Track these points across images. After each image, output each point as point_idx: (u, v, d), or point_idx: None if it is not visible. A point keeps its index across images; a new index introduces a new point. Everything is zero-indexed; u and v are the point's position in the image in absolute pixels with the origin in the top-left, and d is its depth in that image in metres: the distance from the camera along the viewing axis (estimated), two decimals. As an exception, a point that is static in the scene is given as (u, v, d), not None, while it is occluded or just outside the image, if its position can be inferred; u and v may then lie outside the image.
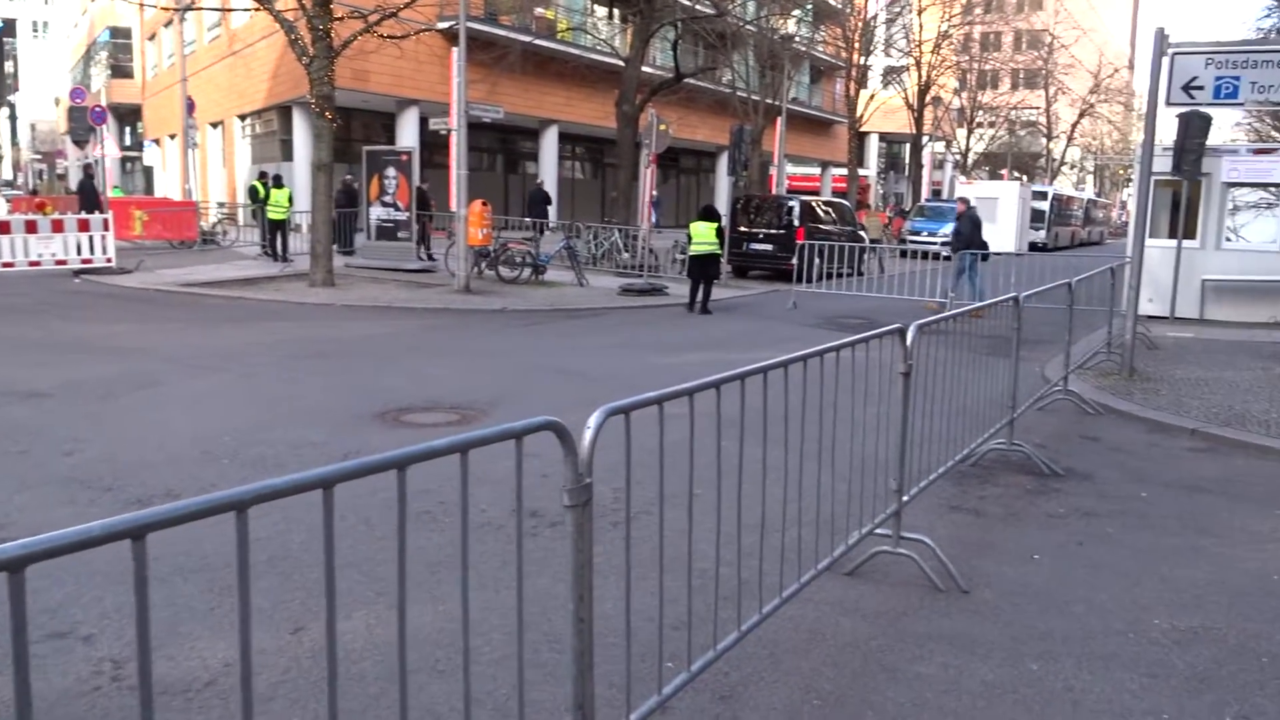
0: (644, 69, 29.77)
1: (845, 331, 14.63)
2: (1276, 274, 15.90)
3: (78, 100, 38.27)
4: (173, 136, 45.76)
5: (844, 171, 51.30)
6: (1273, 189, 16.16)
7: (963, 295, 16.53)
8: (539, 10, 32.93)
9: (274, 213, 21.13)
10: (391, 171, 19.83)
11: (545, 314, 15.10)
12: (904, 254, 28.74)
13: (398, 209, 19.84)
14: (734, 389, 3.37)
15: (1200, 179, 16.08)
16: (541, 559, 4.66)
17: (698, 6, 24.23)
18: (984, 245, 17.51)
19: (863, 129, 57.01)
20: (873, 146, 62.81)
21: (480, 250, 18.87)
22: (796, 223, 21.94)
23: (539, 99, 32.21)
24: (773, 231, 22.16)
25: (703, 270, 15.93)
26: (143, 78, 49.25)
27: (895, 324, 4.60)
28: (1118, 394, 9.34)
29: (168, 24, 44.13)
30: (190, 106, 28.15)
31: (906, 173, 53.56)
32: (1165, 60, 9.88)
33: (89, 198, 24.16)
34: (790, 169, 55.19)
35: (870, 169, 62.57)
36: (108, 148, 26.43)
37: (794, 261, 19.49)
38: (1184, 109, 10.32)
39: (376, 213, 20.17)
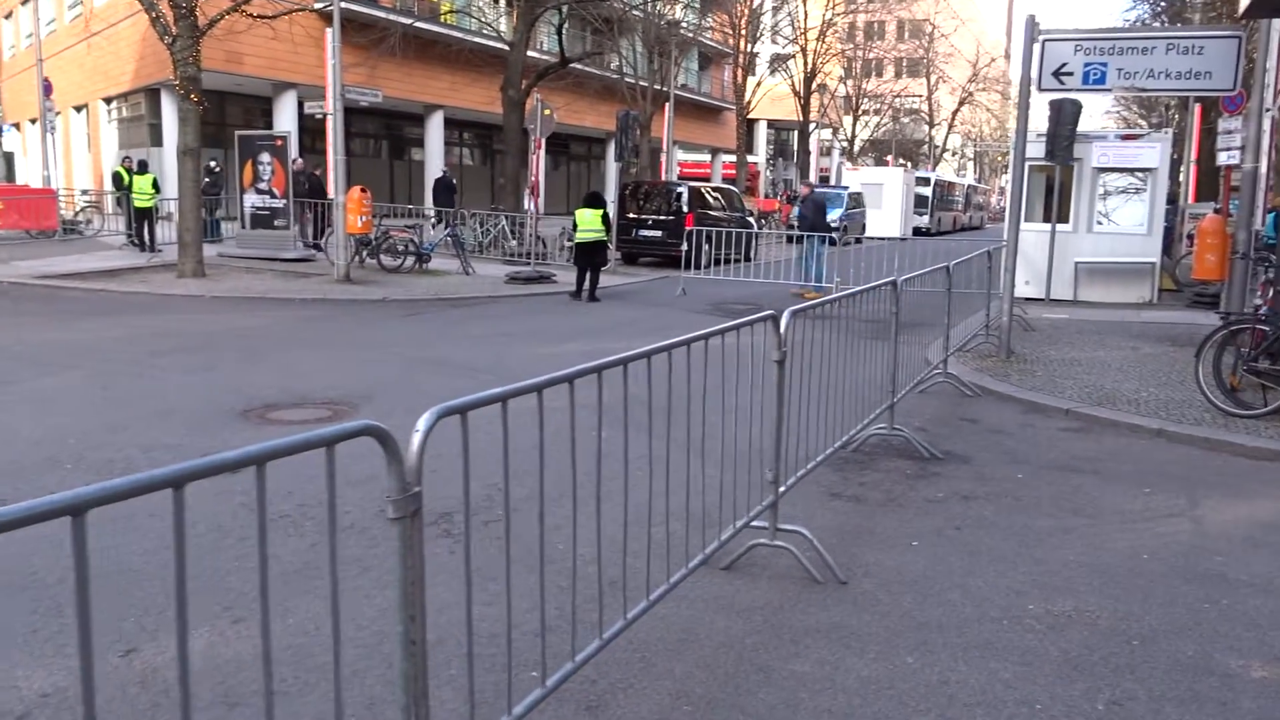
0: (531, 54, 29.36)
1: (732, 317, 14.49)
2: (1144, 256, 16.50)
3: (-74, 82, 35.83)
4: (33, 121, 43.40)
5: (734, 158, 51.75)
6: (1140, 173, 16.73)
7: (810, 278, 17.04)
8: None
9: (139, 200, 20.07)
10: (266, 157, 19.03)
11: (428, 303, 14.68)
12: (791, 239, 29.19)
13: (273, 196, 19.07)
14: (594, 382, 3.15)
15: (1072, 164, 16.56)
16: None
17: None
18: (828, 229, 17.81)
19: (751, 116, 57.70)
20: (762, 134, 63.39)
21: (361, 239, 18.27)
22: (685, 209, 21.88)
23: (423, 83, 31.44)
24: (662, 218, 22.05)
25: (589, 258, 15.70)
26: (-1, 58, 46.49)
27: (770, 310, 4.46)
28: (996, 376, 9.47)
29: (24, 1, 41.75)
30: (47, 89, 26.60)
31: (795, 159, 54.18)
32: (1037, 47, 10.04)
33: (-64, 185, 22.62)
34: (681, 156, 55.37)
35: (760, 156, 63.19)
36: (-42, 132, 24.79)
37: (684, 248, 19.46)
38: (1056, 95, 10.51)
39: (251, 200, 19.34)
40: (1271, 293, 9.37)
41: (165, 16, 15.27)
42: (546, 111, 17.62)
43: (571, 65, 31.87)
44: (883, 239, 31.59)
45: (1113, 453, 6.97)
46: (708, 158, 56.25)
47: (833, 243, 17.47)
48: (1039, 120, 18.84)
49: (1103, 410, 8.00)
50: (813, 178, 54.23)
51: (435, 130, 33.98)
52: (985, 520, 5.34)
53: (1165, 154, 16.82)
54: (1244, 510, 5.66)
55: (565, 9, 22.54)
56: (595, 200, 15.85)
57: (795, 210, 24.00)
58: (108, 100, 33.82)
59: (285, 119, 28.21)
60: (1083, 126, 16.84)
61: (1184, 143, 23.75)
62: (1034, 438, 7.38)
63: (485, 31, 29.99)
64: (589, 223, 15.58)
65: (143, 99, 31.14)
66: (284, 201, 18.92)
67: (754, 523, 4.46)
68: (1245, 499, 5.89)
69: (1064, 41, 9.98)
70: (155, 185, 20.44)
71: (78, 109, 36.40)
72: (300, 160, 22.19)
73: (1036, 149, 16.55)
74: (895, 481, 6.07)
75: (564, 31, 24.57)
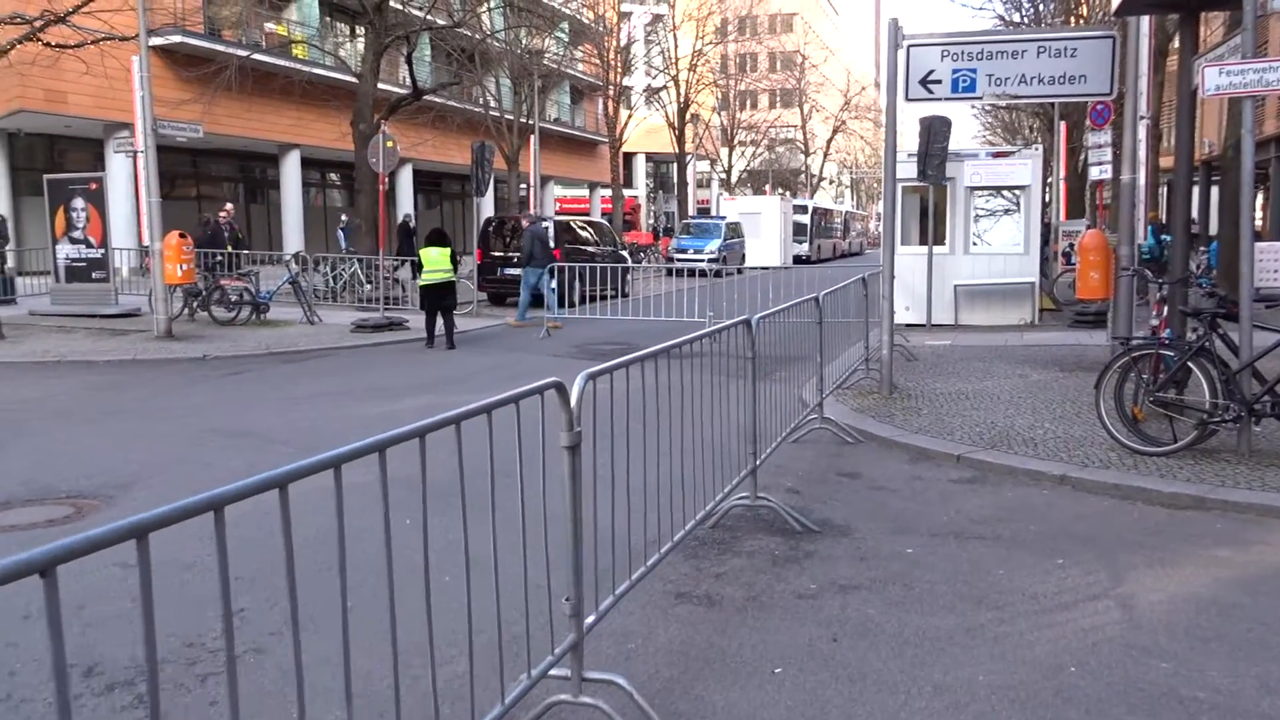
0: (388, 87, 27.90)
1: (599, 358, 13.52)
2: (1023, 276, 15.95)
3: None
4: None
5: (611, 192, 50.97)
6: (1013, 191, 16.23)
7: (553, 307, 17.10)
8: (269, 26, 30.38)
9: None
10: (80, 203, 17.11)
11: (256, 360, 13.08)
12: (670, 273, 28.30)
13: (90, 245, 17.14)
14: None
15: (945, 184, 15.96)
16: None
17: (428, 17, 22.58)
18: (549, 260, 17.78)
19: (628, 149, 57.16)
20: (640, 167, 62.95)
21: (189, 289, 16.54)
22: (552, 244, 20.68)
23: (271, 120, 29.61)
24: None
25: (439, 300, 14.34)
26: None
27: (554, 378, 3.25)
28: (879, 416, 8.46)
29: None
30: None
31: (675, 191, 53.70)
32: (901, 54, 9.18)
33: None
34: (560, 191, 54.40)
35: (639, 189, 62.66)
36: None
37: (553, 285, 18.31)
38: (924, 105, 9.66)
39: (65, 251, 17.38)
40: (1166, 311, 8.61)
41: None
42: (389, 143, 16.21)
43: (433, 99, 30.60)
44: (763, 269, 30.99)
45: (1013, 509, 5.95)
46: (586, 192, 55.29)
47: (551, 273, 17.47)
48: (910, 140, 18.33)
49: (997, 454, 7.02)
50: (691, 210, 53.89)
51: (292, 170, 32.09)
52: (869, 624, 4.19)
53: (1037, 171, 16.36)
54: (1177, 584, 4.65)
55: (413, 38, 21.18)
56: (440, 238, 14.51)
57: (716, 242, 23.14)
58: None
59: (119, 162, 26.02)
60: (953, 147, 16.30)
61: (1052, 160, 23.69)
62: (923, 494, 6.32)
63: (328, 63, 28.32)
64: (436, 262, 14.23)
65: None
66: (102, 251, 17.02)
67: (552, 672, 3.20)
68: (1174, 566, 4.89)
69: (930, 46, 9.13)
70: None
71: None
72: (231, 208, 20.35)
73: (909, 170, 15.94)
74: (760, 569, 4.89)
75: (413, 61, 23.24)
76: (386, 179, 16.99)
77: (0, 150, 25.91)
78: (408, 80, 30.86)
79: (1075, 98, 8.81)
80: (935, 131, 15.60)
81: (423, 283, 14.49)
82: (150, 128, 14.19)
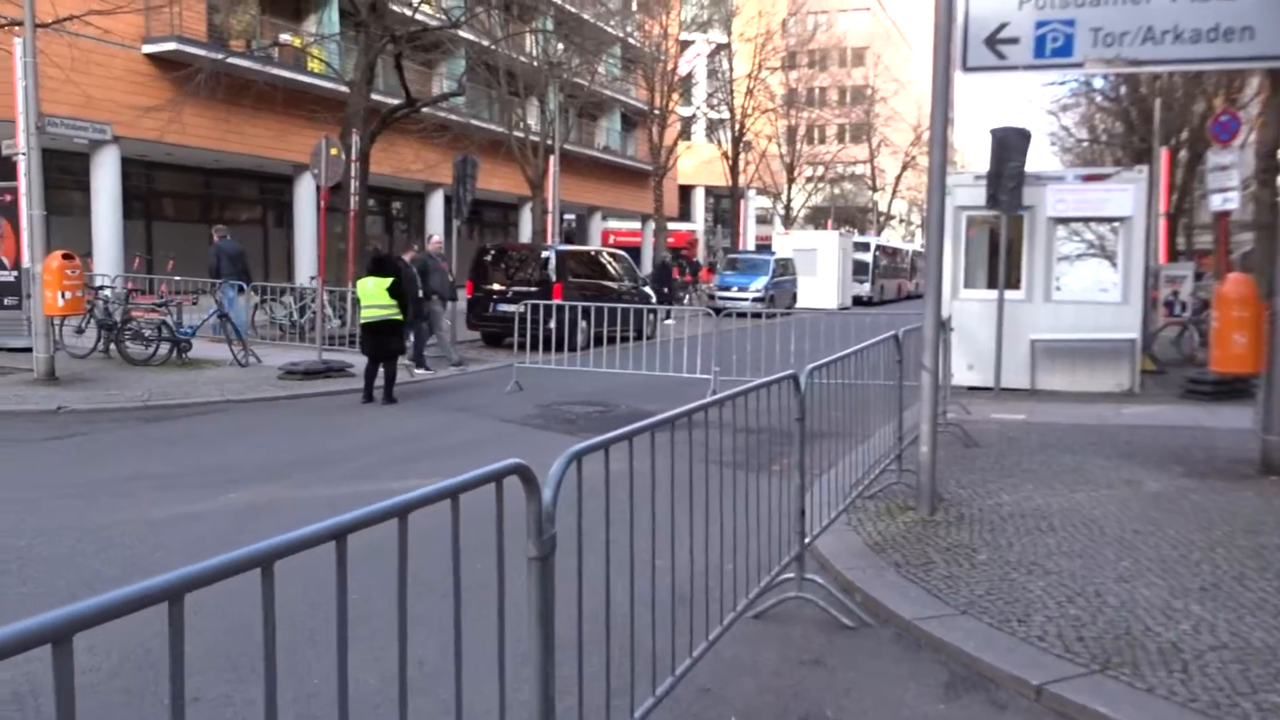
0: (433, 113, 25.36)
1: (563, 425, 10.53)
2: (1120, 331, 12.53)
3: None
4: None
5: (674, 225, 47.99)
6: (1109, 224, 12.87)
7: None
8: (284, 37, 28.12)
9: None
10: (-8, 217, 14.69)
11: (122, 415, 10.25)
12: (717, 312, 25.02)
13: (3, 267, 14.67)
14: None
15: (1022, 213, 12.68)
16: None
17: (417, 15, 19.93)
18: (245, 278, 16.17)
19: (686, 182, 54.37)
20: (699, 200, 60.18)
21: (103, 321, 13.92)
22: (554, 278, 17.76)
23: (287, 140, 27.24)
24: (525, 289, 17.74)
25: (378, 344, 11.44)
26: None
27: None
28: (906, 563, 5.24)
29: None
30: None
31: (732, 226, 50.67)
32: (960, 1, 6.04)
33: None
34: (613, 224, 51.72)
35: (697, 223, 59.86)
36: None
37: (552, 325, 15.39)
38: (987, 75, 6.44)
39: (-26, 273, 14.94)
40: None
41: None
42: (334, 150, 13.41)
43: (452, 117, 28.09)
44: (813, 310, 27.65)
45: None
46: (639, 225, 52.43)
47: (241, 290, 15.61)
48: (975, 158, 15.02)
49: (1117, 690, 3.72)
50: (749, 244, 50.73)
51: (306, 192, 29.70)
52: None
53: (1141, 198, 12.88)
54: None
55: (400, 40, 18.45)
56: (382, 266, 11.59)
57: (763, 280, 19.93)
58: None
59: (105, 176, 23.82)
60: (1031, 165, 12.99)
61: (1151, 193, 20.12)
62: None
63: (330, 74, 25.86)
64: (372, 296, 11.31)
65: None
66: (14, 274, 14.50)
67: None
68: None
69: (1004, -13, 5.99)
70: None
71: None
72: (223, 228, 17.88)
73: (975, 195, 12.72)
74: None
75: (445, 77, 20.70)
76: (328, 193, 14.18)
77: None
78: (439, 91, 28.57)
79: (1234, 63, 5.73)
80: (1009, 147, 12.35)
81: (361, 321, 11.62)
82: (33, 125, 11.59)
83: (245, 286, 16.23)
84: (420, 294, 13.83)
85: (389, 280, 11.37)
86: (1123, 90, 28.13)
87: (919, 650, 4.22)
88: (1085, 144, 38.94)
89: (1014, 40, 5.94)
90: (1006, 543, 5.62)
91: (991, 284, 12.78)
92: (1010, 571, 5.08)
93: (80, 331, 14.79)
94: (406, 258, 13.79)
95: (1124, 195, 12.73)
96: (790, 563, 4.63)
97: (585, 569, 2.57)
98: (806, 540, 4.78)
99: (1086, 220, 12.90)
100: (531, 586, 2.22)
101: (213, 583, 1.57)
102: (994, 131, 12.44)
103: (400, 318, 11.55)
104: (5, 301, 14.72)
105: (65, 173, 25.68)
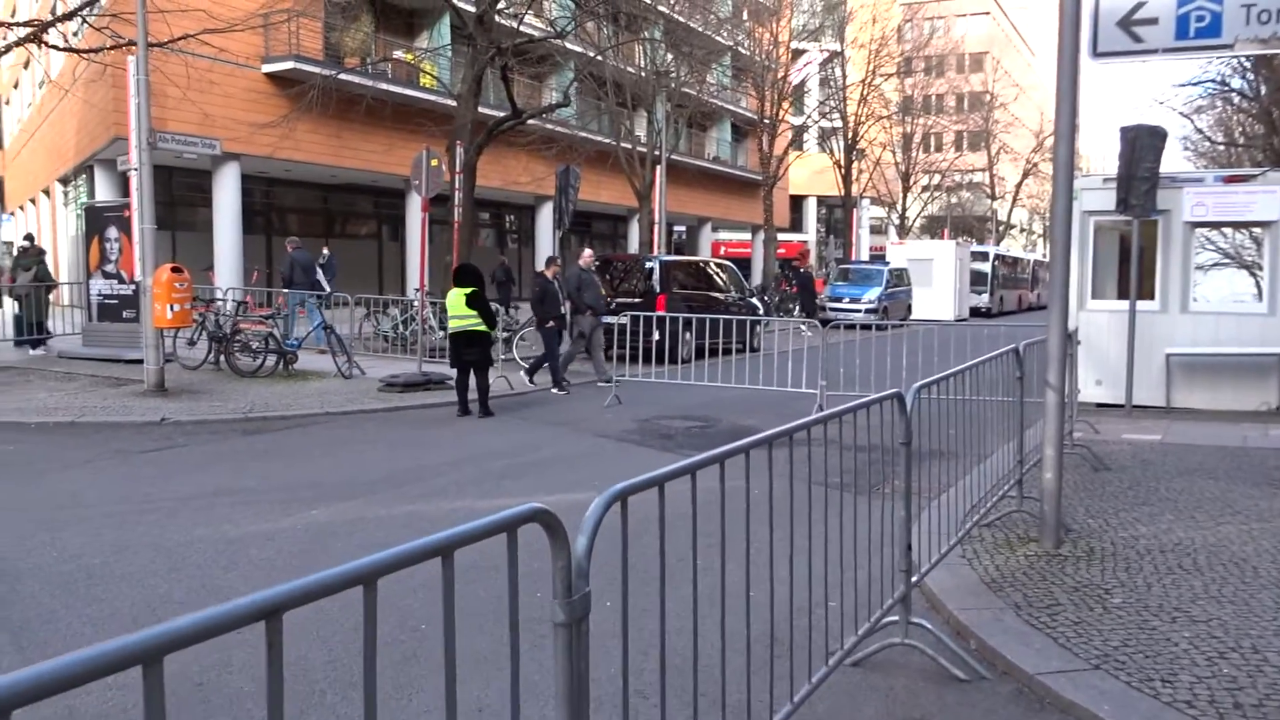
0: (537, 125, 25.46)
1: (660, 441, 10.11)
2: (1266, 345, 11.51)
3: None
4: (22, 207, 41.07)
5: (785, 236, 47.29)
6: (1253, 229, 11.86)
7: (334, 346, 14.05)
8: (398, 53, 28.62)
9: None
10: (113, 233, 15.15)
11: (223, 426, 10.31)
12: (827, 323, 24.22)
13: (122, 280, 15.10)
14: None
15: (1156, 218, 11.77)
16: None
17: (521, 28, 19.83)
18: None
19: (798, 192, 53.56)
20: (811, 210, 59.25)
21: (213, 334, 14.18)
22: (657, 289, 17.42)
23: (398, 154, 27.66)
24: (629, 300, 17.46)
25: (459, 355, 11.31)
26: (-1, 144, 44.56)
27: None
28: (1028, 605, 4.68)
29: (15, 86, 39.62)
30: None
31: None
32: (1089, -22, 5.46)
33: None
34: (723, 235, 51.29)
35: (809, 233, 58.94)
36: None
37: (655, 337, 15.17)
38: (1118, 59, 5.77)
39: (98, 286, 15.43)
40: None
41: None
42: (434, 162, 13.36)
43: (559, 129, 28.08)
44: (928, 322, 26.67)
45: None
46: (749, 235, 51.81)
47: (319, 300, 15.86)
48: (1100, 163, 14.05)
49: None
50: (863, 254, 49.57)
51: (415, 204, 30.15)
52: None
53: (1290, 201, 11.85)
54: None
55: (508, 51, 18.41)
56: (467, 276, 11.44)
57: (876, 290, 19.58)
58: (64, 181, 30.78)
59: (226, 193, 24.58)
60: (1166, 166, 12.06)
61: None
62: None
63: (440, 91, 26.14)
64: (456, 306, 11.19)
65: (85, 177, 27.88)
66: (133, 287, 14.90)
67: None
68: None
69: (1140, -38, 5.38)
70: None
71: (46, 192, 33.59)
72: (297, 240, 18.39)
73: (1104, 199, 11.88)
74: None
75: (553, 89, 20.67)
76: (428, 204, 14.15)
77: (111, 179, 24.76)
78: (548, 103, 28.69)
79: None
80: (1142, 146, 11.47)
81: (450, 332, 11.51)
82: (145, 141, 11.83)
83: (321, 297, 16.47)
84: (571, 309, 13.87)
85: (469, 290, 11.22)
86: (1263, 90, 26.43)
87: (1042, 711, 3.68)
88: (1221, 148, 36.81)
89: (1152, 20, 5.32)
90: (1144, 583, 4.99)
91: (1122, 294, 11.90)
92: (1150, 618, 4.47)
93: (192, 343, 15.12)
94: (548, 274, 13.70)
95: (1272, 198, 11.70)
96: (894, 604, 4.13)
97: (631, 625, 2.17)
98: (914, 579, 4.27)
99: (1229, 225, 11.92)
100: (558, 659, 1.84)
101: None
102: (1124, 130, 11.58)
103: (483, 328, 11.35)
104: (124, 314, 15.15)
105: (193, 190, 26.73)
